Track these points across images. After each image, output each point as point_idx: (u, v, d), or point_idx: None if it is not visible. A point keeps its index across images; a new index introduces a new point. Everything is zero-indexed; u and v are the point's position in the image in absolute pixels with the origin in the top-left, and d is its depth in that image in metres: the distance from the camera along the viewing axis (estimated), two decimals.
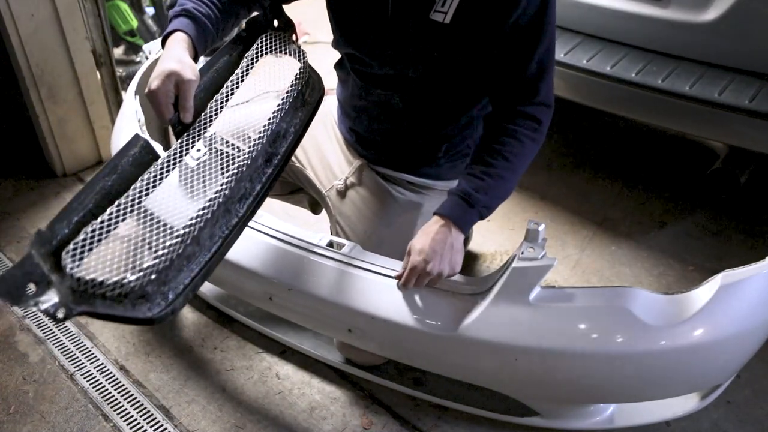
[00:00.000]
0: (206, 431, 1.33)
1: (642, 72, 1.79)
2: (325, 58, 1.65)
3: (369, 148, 1.43)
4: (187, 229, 0.91)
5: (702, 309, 1.07)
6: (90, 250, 0.85)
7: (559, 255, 1.86)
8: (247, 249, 1.29)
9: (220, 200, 0.96)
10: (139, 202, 0.94)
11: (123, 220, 0.90)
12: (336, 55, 1.44)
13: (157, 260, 0.87)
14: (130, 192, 0.94)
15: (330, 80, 1.92)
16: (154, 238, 0.91)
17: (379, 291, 1.20)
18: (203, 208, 0.94)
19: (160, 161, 1.01)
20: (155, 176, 0.98)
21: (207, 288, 1.62)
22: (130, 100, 1.58)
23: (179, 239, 0.90)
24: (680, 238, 1.94)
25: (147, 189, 0.95)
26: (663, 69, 1.79)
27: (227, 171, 1.01)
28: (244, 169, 1.01)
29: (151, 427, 1.33)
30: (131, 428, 1.33)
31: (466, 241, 1.82)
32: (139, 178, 0.97)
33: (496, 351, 1.12)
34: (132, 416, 1.35)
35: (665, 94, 1.73)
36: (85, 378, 1.44)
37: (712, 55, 1.77)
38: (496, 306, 1.12)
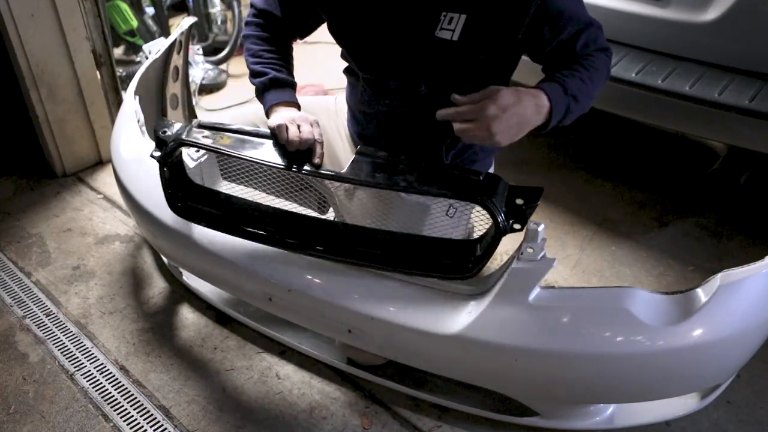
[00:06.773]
0: (206, 431, 1.34)
1: (642, 72, 1.79)
2: (326, 58, 1.65)
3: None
4: None
5: (701, 309, 1.07)
6: None
7: (559, 255, 1.86)
8: (247, 249, 1.30)
9: None
10: None
11: None
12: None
13: None
14: None
15: (333, 80, 1.93)
16: None
17: (379, 292, 1.20)
18: None
19: None
20: None
21: (207, 288, 1.62)
22: (130, 100, 1.59)
23: None
24: (680, 238, 1.94)
25: None
26: (663, 69, 1.79)
27: None
28: None
29: (151, 427, 1.33)
30: (131, 428, 1.33)
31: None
32: None
33: (495, 351, 1.12)
34: (132, 416, 1.35)
35: (665, 94, 1.73)
36: (85, 378, 1.44)
37: (712, 55, 1.77)
38: (496, 306, 1.11)
